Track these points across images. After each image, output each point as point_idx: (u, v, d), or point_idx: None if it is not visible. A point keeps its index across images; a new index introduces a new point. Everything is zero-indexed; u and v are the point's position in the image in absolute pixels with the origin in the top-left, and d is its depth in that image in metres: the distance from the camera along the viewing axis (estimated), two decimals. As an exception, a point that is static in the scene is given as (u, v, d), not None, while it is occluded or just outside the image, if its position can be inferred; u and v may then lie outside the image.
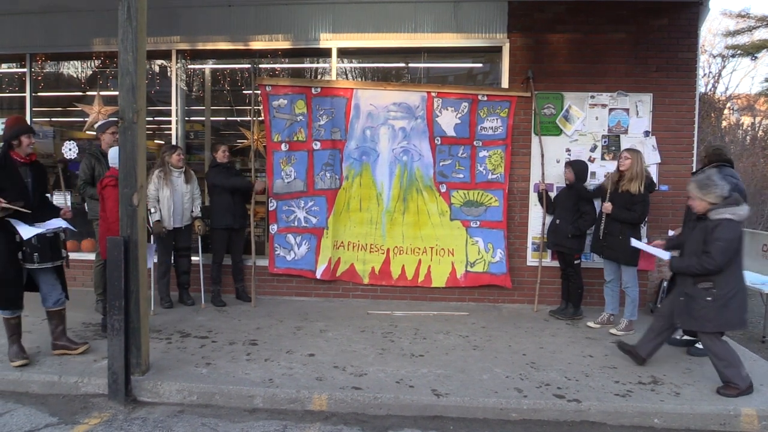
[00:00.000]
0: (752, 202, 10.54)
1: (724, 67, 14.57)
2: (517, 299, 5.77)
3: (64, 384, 3.57)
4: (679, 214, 5.09)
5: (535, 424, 3.27)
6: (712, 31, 14.81)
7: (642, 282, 5.33)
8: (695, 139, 5.62)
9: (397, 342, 4.47)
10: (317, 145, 5.73)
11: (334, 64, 5.91)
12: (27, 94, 6.32)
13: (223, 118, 6.65)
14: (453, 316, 5.32)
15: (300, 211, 5.79)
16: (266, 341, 4.42)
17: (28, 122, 5.72)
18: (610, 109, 5.62)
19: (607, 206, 4.76)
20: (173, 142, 5.97)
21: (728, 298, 3.45)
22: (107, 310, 3.51)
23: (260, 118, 5.82)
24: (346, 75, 6.26)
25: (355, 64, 6.36)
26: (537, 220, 5.66)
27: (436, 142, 5.69)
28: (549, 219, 5.40)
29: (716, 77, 14.67)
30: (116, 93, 3.68)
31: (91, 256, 5.39)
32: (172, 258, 5.49)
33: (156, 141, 6.63)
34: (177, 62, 6.12)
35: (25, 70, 6.31)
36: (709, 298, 3.47)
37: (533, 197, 5.72)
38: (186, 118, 6.32)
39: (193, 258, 5.57)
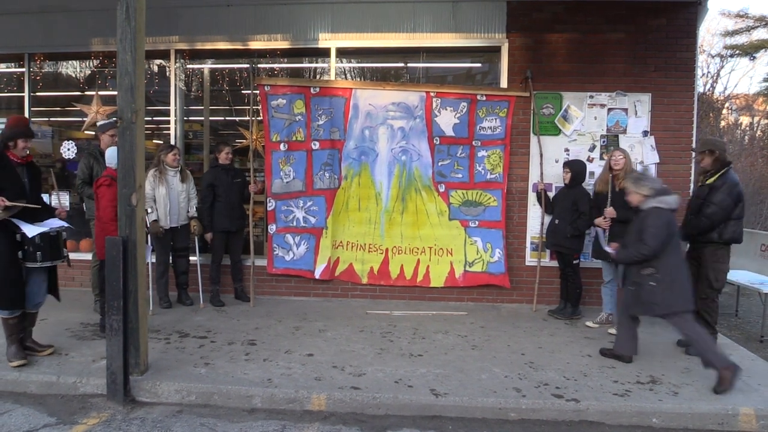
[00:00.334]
0: (751, 202, 10.56)
1: (722, 66, 14.63)
2: (516, 299, 5.77)
3: (63, 384, 3.57)
4: (679, 214, 5.08)
5: (534, 423, 3.27)
6: (710, 31, 14.90)
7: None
8: (694, 138, 5.62)
9: (396, 342, 4.48)
10: (316, 145, 5.73)
11: (333, 63, 5.91)
12: (25, 94, 6.31)
13: (222, 118, 6.65)
14: (452, 316, 5.32)
15: (299, 211, 5.79)
16: (265, 341, 4.42)
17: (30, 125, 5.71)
18: (609, 109, 5.63)
19: (610, 211, 4.70)
20: (172, 142, 5.96)
21: (671, 281, 3.66)
22: (106, 310, 3.51)
23: (259, 118, 5.82)
24: (345, 75, 6.25)
25: (354, 64, 6.36)
26: (536, 220, 5.67)
27: (434, 141, 5.69)
28: (548, 219, 5.40)
29: (715, 77, 14.72)
30: (115, 93, 3.66)
31: (89, 256, 5.39)
32: (171, 258, 5.48)
33: (155, 141, 6.62)
34: (176, 62, 6.11)
35: (23, 69, 6.31)
36: (652, 283, 3.70)
37: (532, 197, 5.72)
38: (185, 118, 6.31)
39: (191, 258, 5.57)
